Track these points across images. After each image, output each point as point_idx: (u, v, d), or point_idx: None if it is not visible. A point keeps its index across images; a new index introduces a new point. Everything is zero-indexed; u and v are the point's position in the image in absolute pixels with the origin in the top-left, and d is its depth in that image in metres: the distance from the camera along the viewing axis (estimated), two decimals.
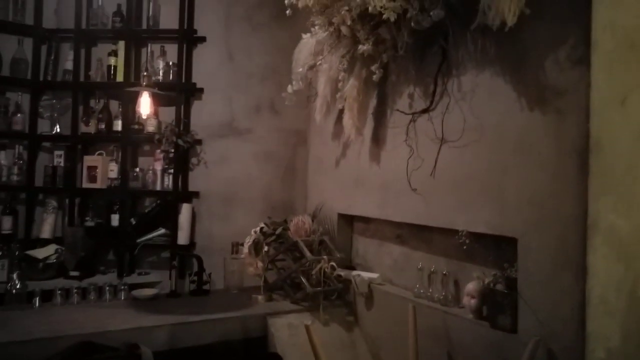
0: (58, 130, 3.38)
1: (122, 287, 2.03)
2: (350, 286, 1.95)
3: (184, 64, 3.30)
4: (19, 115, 3.31)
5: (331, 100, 2.03)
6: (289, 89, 2.01)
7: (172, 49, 3.38)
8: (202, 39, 3.34)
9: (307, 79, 2.05)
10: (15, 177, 3.27)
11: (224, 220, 3.30)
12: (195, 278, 2.23)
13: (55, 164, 3.38)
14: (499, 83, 1.50)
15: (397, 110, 1.79)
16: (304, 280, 1.93)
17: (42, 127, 3.38)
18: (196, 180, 3.34)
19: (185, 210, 3.26)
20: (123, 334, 1.62)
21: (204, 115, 3.33)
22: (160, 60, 3.36)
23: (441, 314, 1.62)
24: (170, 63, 3.34)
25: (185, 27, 3.30)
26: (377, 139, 1.90)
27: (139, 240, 3.27)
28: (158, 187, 3.32)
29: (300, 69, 1.96)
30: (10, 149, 3.32)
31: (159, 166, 3.35)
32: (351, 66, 1.81)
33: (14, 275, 1.86)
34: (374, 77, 1.69)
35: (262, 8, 3.34)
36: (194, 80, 3.30)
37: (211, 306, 1.99)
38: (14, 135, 3.29)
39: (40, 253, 3.13)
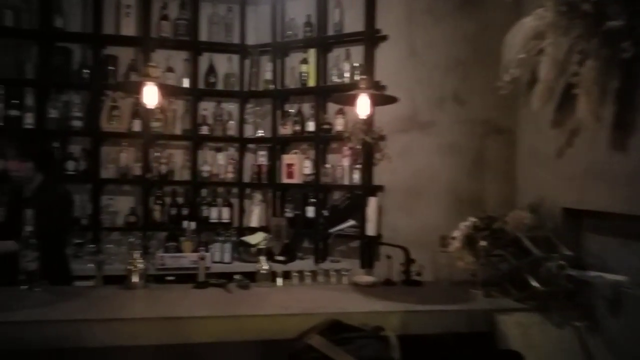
0: (261, 133, 3.71)
1: (344, 273, 2.11)
2: (584, 287, 1.72)
3: (369, 64, 3.31)
4: (231, 122, 3.71)
5: (553, 86, 1.80)
6: (506, 77, 1.84)
7: (355, 51, 3.44)
8: (385, 38, 3.32)
9: (525, 65, 1.84)
10: (229, 175, 3.69)
11: (408, 213, 3.23)
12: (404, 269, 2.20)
13: (259, 162, 3.71)
14: None
15: None
16: (530, 278, 1.75)
17: (248, 131, 3.74)
18: (380, 175, 3.34)
19: (372, 203, 3.28)
20: (362, 316, 1.65)
21: (387, 111, 3.26)
22: (346, 63, 3.44)
23: None
24: (355, 64, 3.40)
25: (369, 28, 3.31)
26: (624, 125, 1.61)
27: (331, 230, 3.41)
28: (346, 182, 3.42)
29: (524, 55, 1.78)
30: (225, 150, 3.74)
31: (346, 162, 3.44)
32: (589, 46, 1.57)
33: (263, 259, 2.04)
34: (625, 54, 1.43)
35: None
36: (377, 79, 3.30)
37: (431, 297, 1.93)
38: (228, 139, 3.70)
39: (252, 239, 3.47)
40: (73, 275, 2.37)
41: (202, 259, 1.97)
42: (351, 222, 3.38)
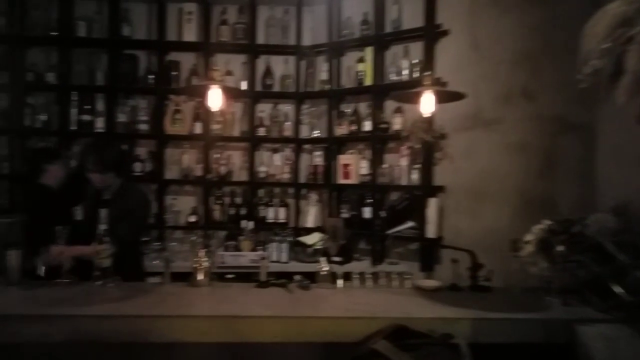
0: (316, 133, 3.72)
1: (406, 277, 2.04)
2: None
3: (429, 60, 3.22)
4: (287, 123, 3.74)
5: None
6: (586, 69, 1.70)
7: (414, 47, 3.36)
8: (445, 33, 3.21)
9: (609, 55, 1.69)
10: (285, 175, 3.72)
11: (471, 215, 3.10)
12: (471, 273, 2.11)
13: (315, 163, 3.71)
14: None
15: None
16: (615, 286, 1.61)
17: (303, 131, 3.75)
18: (441, 175, 3.23)
19: (432, 204, 3.18)
20: (428, 322, 1.59)
21: (448, 108, 3.12)
22: (405, 60, 3.37)
23: None
24: (414, 61, 3.32)
25: (429, 23, 3.21)
26: None
27: (388, 232, 3.35)
28: (404, 182, 3.34)
29: (608, 44, 1.63)
30: (282, 151, 3.78)
31: (404, 162, 3.36)
32: None
33: (323, 260, 2.03)
34: None
35: None
36: (437, 75, 3.18)
37: (502, 304, 1.83)
38: (284, 140, 3.74)
39: (308, 240, 3.47)
40: (145, 272, 2.48)
41: (264, 258, 1.98)
42: (410, 224, 3.30)
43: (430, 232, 3.17)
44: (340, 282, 1.98)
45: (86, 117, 3.48)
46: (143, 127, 3.56)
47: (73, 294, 1.73)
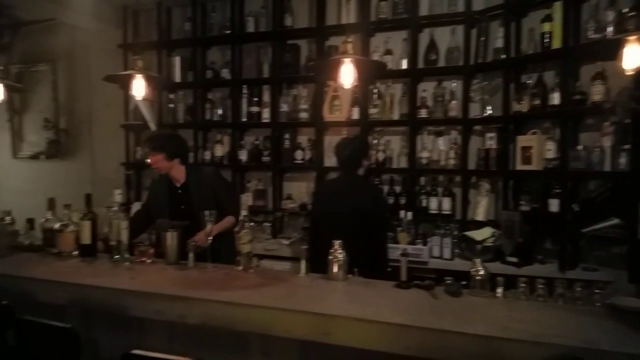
0: (489, 112, 3.26)
1: (597, 290, 1.58)
2: None
3: None
4: (453, 102, 3.37)
5: None
6: None
7: None
8: None
9: None
10: (451, 161, 3.37)
11: None
12: None
13: (487, 146, 3.27)
14: None
15: None
16: None
17: (473, 110, 3.34)
18: None
19: None
20: (619, 359, 1.17)
21: None
22: (610, 12, 2.65)
23: None
24: (624, 11, 2.58)
25: None
26: None
27: (583, 230, 2.73)
28: (607, 168, 2.67)
29: None
30: (447, 134, 3.44)
31: (607, 142, 2.69)
32: None
33: (477, 261, 1.72)
34: None
35: None
36: None
37: None
38: (450, 121, 3.38)
39: (477, 235, 3.09)
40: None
41: (405, 255, 1.77)
42: (614, 221, 2.62)
43: None
44: (499, 291, 1.64)
45: (254, 109, 3.77)
46: (303, 115, 3.67)
47: (214, 278, 1.83)
